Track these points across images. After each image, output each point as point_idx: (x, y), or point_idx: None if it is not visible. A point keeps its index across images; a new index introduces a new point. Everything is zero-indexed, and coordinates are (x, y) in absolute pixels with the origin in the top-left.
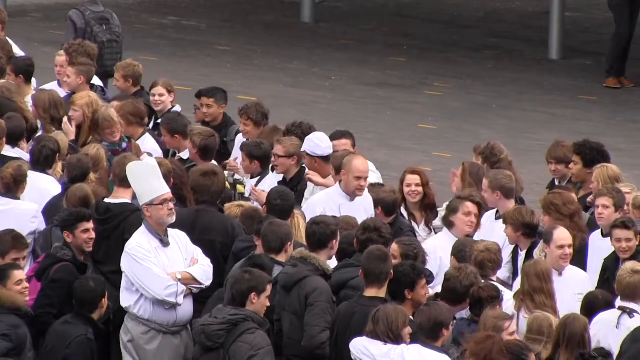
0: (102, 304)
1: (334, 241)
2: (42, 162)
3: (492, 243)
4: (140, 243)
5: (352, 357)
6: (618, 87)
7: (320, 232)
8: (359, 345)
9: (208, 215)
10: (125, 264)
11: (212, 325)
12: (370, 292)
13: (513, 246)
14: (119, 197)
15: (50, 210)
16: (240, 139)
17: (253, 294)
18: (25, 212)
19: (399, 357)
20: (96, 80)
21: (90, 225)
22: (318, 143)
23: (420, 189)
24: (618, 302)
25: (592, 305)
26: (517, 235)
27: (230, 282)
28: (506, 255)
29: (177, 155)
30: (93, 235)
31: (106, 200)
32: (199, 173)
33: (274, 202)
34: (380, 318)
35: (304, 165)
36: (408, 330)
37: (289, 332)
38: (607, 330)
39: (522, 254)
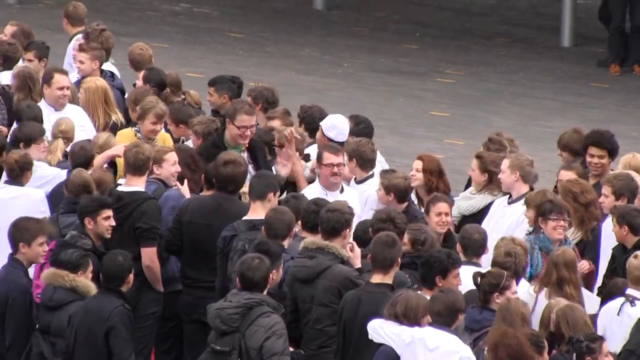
0: (129, 280)
1: (348, 230)
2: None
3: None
4: None
5: (369, 335)
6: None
7: (335, 220)
8: (375, 325)
9: (232, 203)
10: None
11: (227, 309)
12: (376, 278)
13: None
14: (132, 185)
15: (55, 197)
16: None
17: (270, 275)
18: (34, 199)
19: (408, 336)
20: (106, 66)
21: (111, 212)
22: (336, 125)
23: (419, 174)
24: (628, 290)
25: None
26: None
27: (247, 271)
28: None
29: (184, 143)
30: (114, 222)
31: (119, 188)
32: (222, 162)
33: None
34: (399, 301)
35: (307, 153)
36: (427, 319)
37: (314, 323)
38: (612, 317)
39: None
